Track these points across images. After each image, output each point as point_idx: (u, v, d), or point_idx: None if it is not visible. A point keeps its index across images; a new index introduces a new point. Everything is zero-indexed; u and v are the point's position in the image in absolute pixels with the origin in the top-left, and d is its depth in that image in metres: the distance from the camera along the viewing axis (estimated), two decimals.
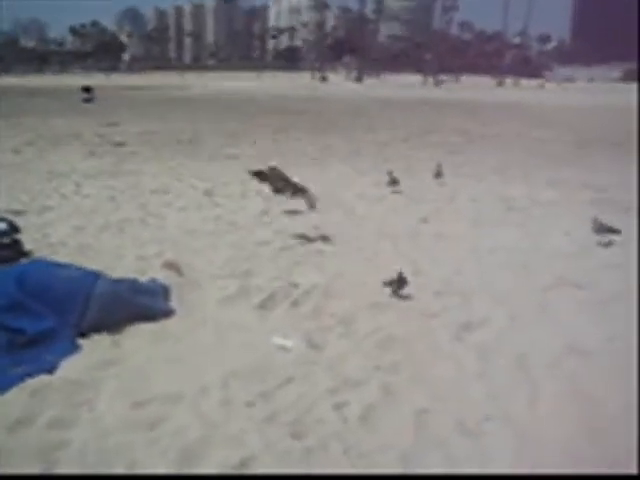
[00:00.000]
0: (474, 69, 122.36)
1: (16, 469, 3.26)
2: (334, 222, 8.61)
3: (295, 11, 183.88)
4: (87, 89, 37.88)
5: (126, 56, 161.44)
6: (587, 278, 6.37)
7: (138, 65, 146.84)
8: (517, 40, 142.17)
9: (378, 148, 17.03)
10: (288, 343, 4.74)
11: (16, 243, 7.00)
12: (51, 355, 4.50)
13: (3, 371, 4.26)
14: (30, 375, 4.22)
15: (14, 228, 7.11)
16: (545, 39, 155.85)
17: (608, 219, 7.82)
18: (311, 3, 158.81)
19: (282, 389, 4.08)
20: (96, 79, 66.29)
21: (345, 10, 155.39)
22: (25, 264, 5.59)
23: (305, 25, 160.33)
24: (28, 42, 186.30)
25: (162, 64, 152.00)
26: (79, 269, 5.30)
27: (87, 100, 36.11)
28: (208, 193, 10.69)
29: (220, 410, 3.82)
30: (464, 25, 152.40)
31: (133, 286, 5.34)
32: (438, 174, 11.80)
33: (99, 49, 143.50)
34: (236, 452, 3.39)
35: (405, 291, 5.77)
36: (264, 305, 5.56)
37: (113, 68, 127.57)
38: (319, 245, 7.52)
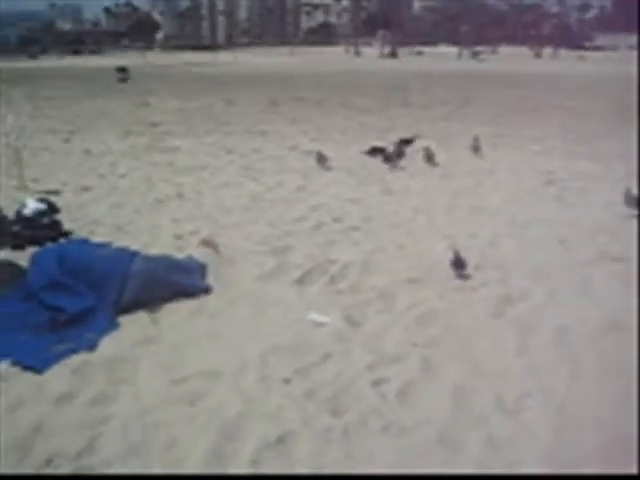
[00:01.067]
0: (512, 40, 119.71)
1: (60, 444, 3.31)
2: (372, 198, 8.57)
3: None
4: (122, 69, 38.22)
5: (160, 35, 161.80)
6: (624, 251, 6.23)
7: (172, 44, 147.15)
8: (555, 9, 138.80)
9: (413, 122, 16.79)
10: (326, 319, 4.72)
11: (56, 223, 7.10)
12: (91, 333, 4.56)
13: (46, 349, 4.33)
14: (72, 353, 4.30)
15: (54, 209, 7.23)
16: (585, 7, 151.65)
17: None
18: None
19: (320, 366, 4.08)
20: (131, 58, 66.59)
21: None
22: (65, 244, 5.67)
23: (339, 0, 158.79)
24: (64, 25, 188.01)
25: (195, 42, 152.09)
26: (117, 248, 5.35)
27: (122, 80, 36.42)
28: (246, 169, 10.71)
29: (258, 386, 3.84)
30: None
31: (170, 264, 5.37)
32: (475, 148, 11.59)
33: (133, 28, 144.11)
34: (275, 429, 3.40)
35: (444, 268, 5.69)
36: (302, 281, 5.55)
37: (147, 47, 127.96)
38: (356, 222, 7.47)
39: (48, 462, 3.18)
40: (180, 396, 3.75)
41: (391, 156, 10.68)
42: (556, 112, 19.05)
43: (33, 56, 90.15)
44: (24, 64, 64.90)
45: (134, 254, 5.20)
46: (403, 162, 10.71)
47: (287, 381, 3.88)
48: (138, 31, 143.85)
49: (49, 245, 6.00)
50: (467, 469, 3.07)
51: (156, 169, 10.95)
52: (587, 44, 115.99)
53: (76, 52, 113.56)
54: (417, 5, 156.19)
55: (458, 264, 5.55)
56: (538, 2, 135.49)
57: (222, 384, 3.88)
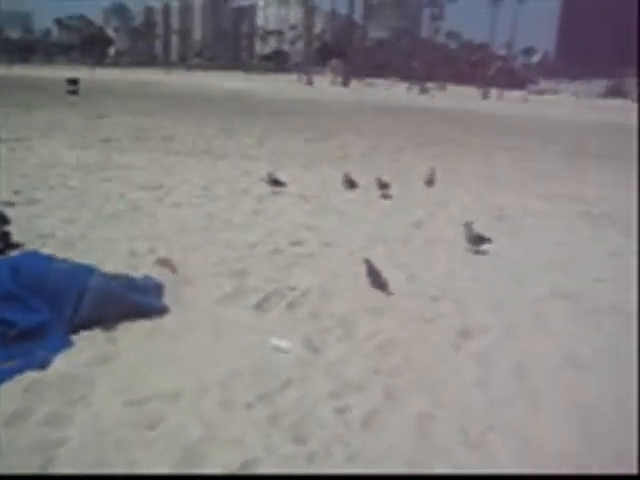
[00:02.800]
0: (460, 79, 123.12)
1: (13, 466, 3.15)
2: (328, 224, 8.58)
3: (283, 14, 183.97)
4: (72, 81, 37.48)
5: (112, 50, 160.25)
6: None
7: (123, 60, 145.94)
8: (502, 52, 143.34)
9: (366, 153, 16.99)
10: (286, 344, 4.67)
11: (6, 235, 6.86)
12: (44, 350, 4.39)
13: None
14: (23, 370, 4.12)
15: (4, 219, 6.98)
16: (530, 52, 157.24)
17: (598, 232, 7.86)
18: (300, 6, 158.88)
19: (282, 392, 4.02)
20: (80, 72, 65.47)
21: (333, 14, 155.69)
22: (18, 256, 5.47)
23: (293, 28, 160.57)
24: (13, 33, 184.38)
25: (148, 60, 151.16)
26: (73, 263, 5.19)
27: (72, 92, 35.73)
28: (203, 189, 10.62)
29: (220, 411, 3.76)
30: (451, 34, 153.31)
31: (127, 283, 5.24)
32: (430, 181, 11.76)
33: (85, 42, 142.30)
34: (238, 455, 3.33)
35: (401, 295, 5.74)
36: (260, 306, 5.49)
37: (99, 62, 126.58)
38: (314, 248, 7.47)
39: None
40: (139, 418, 3.64)
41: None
42: (504, 151, 19.58)
43: None
44: None
45: (91, 270, 5.06)
46: (358, 192, 10.81)
47: (249, 406, 3.81)
48: (90, 45, 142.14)
49: (0, 257, 5.79)
50: None
51: (109, 184, 10.74)
52: (531, 87, 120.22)
53: (25, 61, 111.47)
54: (370, 39, 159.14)
55: (372, 274, 5.91)
56: (486, 42, 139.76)
57: (182, 407, 3.78)
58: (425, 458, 3.40)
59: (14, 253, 6.35)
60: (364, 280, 6.10)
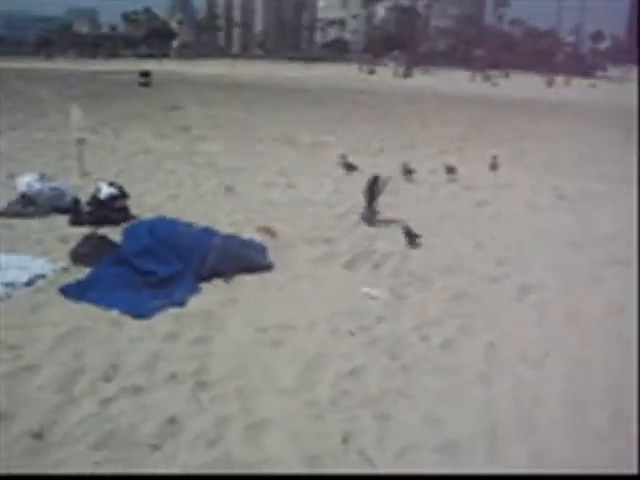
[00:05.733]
0: (525, 66, 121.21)
1: (180, 365, 4.19)
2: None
3: (345, 3, 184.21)
4: (145, 74, 39.17)
5: (176, 43, 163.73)
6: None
7: (187, 52, 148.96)
8: (570, 38, 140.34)
9: (433, 141, 17.73)
10: (375, 292, 5.63)
11: (125, 208, 8.02)
12: (180, 292, 5.47)
13: (144, 302, 5.24)
14: (167, 306, 5.20)
15: (124, 194, 8.13)
16: (598, 37, 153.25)
17: None
18: None
19: (376, 325, 4.99)
20: (148, 65, 67.53)
21: (396, 3, 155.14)
22: (153, 219, 6.54)
23: (355, 17, 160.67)
24: (81, 28, 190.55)
25: (211, 52, 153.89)
26: (198, 225, 6.28)
27: (144, 84, 37.36)
28: (281, 173, 11.61)
29: (329, 336, 4.75)
30: (515, 21, 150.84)
31: (242, 242, 6.30)
32: (494, 165, 12.49)
33: (150, 35, 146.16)
34: (347, 364, 4.30)
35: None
36: (350, 265, 6.46)
37: (163, 54, 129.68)
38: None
39: (172, 376, 4.07)
40: (266, 340, 4.65)
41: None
42: (566, 137, 19.99)
43: (49, 57, 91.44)
44: (42, 65, 66.02)
45: (213, 231, 6.13)
46: (427, 175, 11.64)
47: (352, 333, 4.79)
48: (155, 38, 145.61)
49: (121, 226, 6.89)
50: (499, 407, 3.92)
51: (198, 168, 11.83)
52: (599, 74, 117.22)
53: (93, 55, 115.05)
54: (432, 28, 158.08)
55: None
56: (553, 28, 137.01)
57: (299, 334, 4.77)
58: (493, 373, 4.29)
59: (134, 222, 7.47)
60: (439, 247, 7.01)
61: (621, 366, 4.53)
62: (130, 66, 66.45)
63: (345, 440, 3.44)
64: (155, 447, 3.33)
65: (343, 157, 11.92)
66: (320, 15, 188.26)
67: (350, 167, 11.69)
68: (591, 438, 3.62)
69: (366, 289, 5.69)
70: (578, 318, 5.35)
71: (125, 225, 7.22)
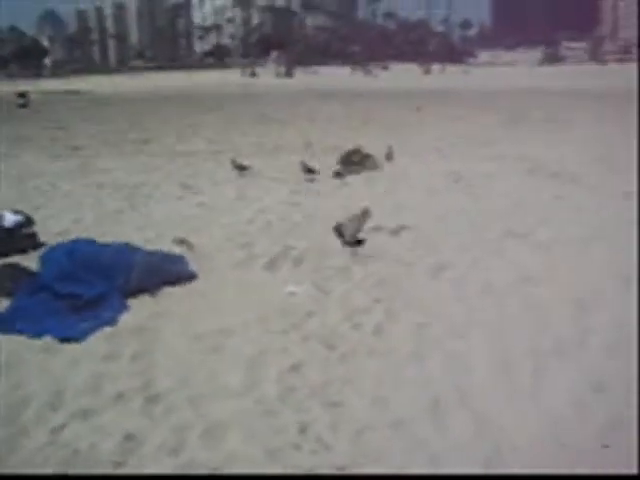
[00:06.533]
0: (400, 57, 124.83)
1: (124, 384, 4.23)
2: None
3: (220, 9, 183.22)
4: (22, 95, 37.98)
5: (48, 61, 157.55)
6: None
7: (62, 69, 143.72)
8: (441, 28, 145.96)
9: (326, 136, 18.10)
10: (300, 288, 5.83)
11: (33, 234, 7.82)
12: (109, 312, 5.46)
13: (74, 326, 5.20)
14: (98, 327, 5.19)
15: (30, 221, 7.93)
16: (467, 25, 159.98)
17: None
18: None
19: (307, 320, 5.19)
20: (22, 85, 64.54)
21: (270, 5, 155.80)
22: (70, 242, 6.43)
23: (231, 21, 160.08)
24: None
25: (87, 67, 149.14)
26: (117, 244, 6.26)
27: (22, 105, 36.14)
28: (181, 184, 11.58)
29: (264, 336, 4.90)
30: (388, 15, 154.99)
31: (163, 255, 6.33)
32: (389, 155, 13.00)
33: (20, 54, 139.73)
34: (288, 360, 4.48)
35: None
36: (270, 267, 6.63)
37: (37, 74, 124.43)
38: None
39: (119, 397, 4.10)
40: (203, 347, 4.76)
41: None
42: (452, 122, 20.96)
43: None
44: None
45: (134, 248, 6.14)
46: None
47: (285, 332, 4.97)
48: (25, 57, 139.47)
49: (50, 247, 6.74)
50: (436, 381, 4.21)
51: (97, 188, 11.58)
52: (470, 60, 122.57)
53: None
54: (309, 26, 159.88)
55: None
56: (424, 19, 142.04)
57: (234, 338, 4.90)
58: (424, 351, 4.59)
59: (42, 250, 7.30)
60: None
61: (536, 328, 4.95)
62: (1, 87, 63.49)
63: (302, 430, 3.62)
64: (118, 464, 3.38)
65: (233, 160, 12.26)
66: (196, 22, 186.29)
67: (241, 168, 12.08)
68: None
69: (290, 288, 5.87)
70: (491, 288, 5.77)
71: (35, 252, 7.09)
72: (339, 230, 7.22)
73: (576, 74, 67.49)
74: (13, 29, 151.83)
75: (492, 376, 4.22)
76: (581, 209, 8.59)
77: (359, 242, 7.13)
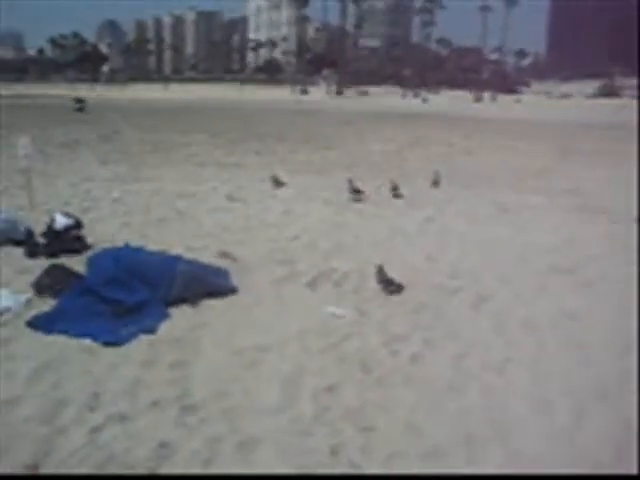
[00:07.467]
0: (451, 83, 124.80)
1: (160, 391, 4.29)
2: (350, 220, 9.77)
3: (275, 24, 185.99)
4: (79, 100, 39.32)
5: (105, 67, 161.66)
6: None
7: (118, 76, 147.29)
8: (494, 56, 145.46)
9: (372, 158, 18.17)
10: (341, 311, 5.83)
11: (81, 237, 8.01)
12: (150, 319, 5.55)
13: (116, 329, 5.30)
14: (137, 333, 5.28)
15: (79, 223, 8.13)
16: (521, 54, 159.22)
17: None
18: (291, 16, 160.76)
19: (345, 342, 5.19)
20: (80, 89, 66.34)
21: (325, 24, 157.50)
22: (117, 248, 6.59)
23: (285, 39, 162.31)
24: (6, 53, 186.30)
25: (142, 75, 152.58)
26: (163, 253, 6.37)
27: (79, 110, 37.32)
28: (229, 196, 11.73)
29: (301, 355, 4.91)
30: (442, 40, 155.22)
31: (206, 267, 6.41)
32: (435, 182, 12.92)
33: (81, 60, 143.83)
34: (324, 381, 4.48)
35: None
36: (311, 285, 6.65)
37: (94, 79, 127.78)
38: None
39: (155, 404, 4.16)
40: (241, 362, 4.79)
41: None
42: (502, 151, 20.80)
43: None
44: None
45: (178, 257, 6.23)
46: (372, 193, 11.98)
47: (322, 351, 4.98)
48: (85, 62, 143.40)
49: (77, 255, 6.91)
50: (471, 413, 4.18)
51: (146, 194, 11.81)
52: (523, 89, 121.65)
53: (19, 80, 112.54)
54: (362, 47, 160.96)
55: (383, 280, 6.47)
56: (477, 46, 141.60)
57: (272, 355, 4.93)
58: (460, 384, 4.54)
59: (89, 252, 7.48)
60: (394, 262, 7.27)
61: (578, 367, 4.86)
62: (60, 90, 65.41)
63: (334, 452, 3.62)
64: (152, 470, 3.43)
65: (273, 177, 12.63)
66: (251, 36, 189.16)
67: (278, 183, 12.55)
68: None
69: (330, 308, 5.88)
70: (532, 324, 5.69)
71: (83, 255, 7.27)
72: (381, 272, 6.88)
73: (633, 108, 66.34)
74: (76, 35, 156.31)
75: (528, 413, 4.16)
76: (630, 248, 8.43)
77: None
